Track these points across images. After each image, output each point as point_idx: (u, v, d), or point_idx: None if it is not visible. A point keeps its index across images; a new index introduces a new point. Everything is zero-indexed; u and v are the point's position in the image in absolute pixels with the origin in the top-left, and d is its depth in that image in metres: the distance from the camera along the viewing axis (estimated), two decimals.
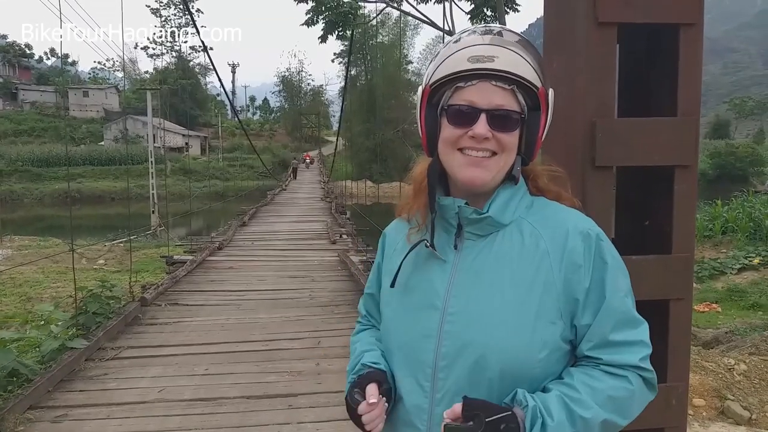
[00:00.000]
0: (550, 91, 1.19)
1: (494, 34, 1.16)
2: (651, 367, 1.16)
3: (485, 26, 1.20)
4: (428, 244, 1.22)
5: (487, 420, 1.04)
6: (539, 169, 1.28)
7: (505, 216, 1.19)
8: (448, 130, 1.17)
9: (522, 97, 1.15)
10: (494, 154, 1.16)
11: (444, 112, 1.18)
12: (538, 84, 1.15)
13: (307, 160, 58.20)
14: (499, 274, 1.16)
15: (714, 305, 9.54)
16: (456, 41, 1.18)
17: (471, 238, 1.20)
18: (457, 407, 1.07)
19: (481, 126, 1.13)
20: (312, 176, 44.88)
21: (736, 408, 4.26)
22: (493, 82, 1.13)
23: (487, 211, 1.18)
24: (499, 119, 1.13)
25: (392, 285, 1.26)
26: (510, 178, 1.21)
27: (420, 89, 1.23)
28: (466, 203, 1.18)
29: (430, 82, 1.19)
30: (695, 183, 1.57)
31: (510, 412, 1.06)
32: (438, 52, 1.22)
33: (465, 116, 1.14)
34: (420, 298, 1.22)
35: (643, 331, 1.17)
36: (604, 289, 1.14)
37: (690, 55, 1.53)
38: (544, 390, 1.12)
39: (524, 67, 1.13)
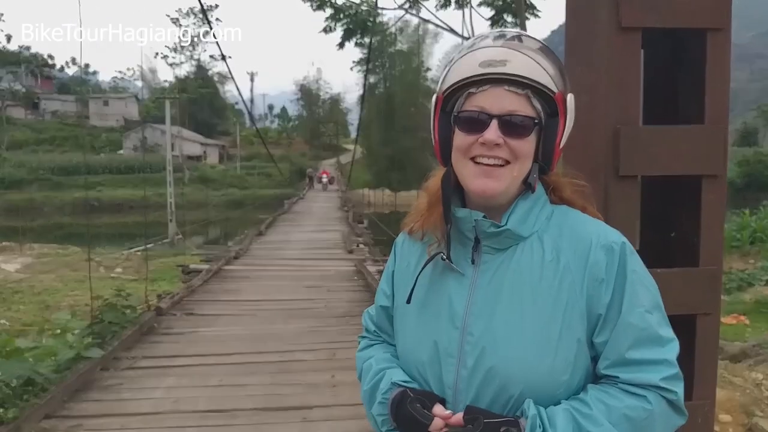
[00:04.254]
0: (569, 96, 1.13)
1: (508, 39, 1.12)
2: (677, 389, 1.08)
3: (500, 30, 1.16)
4: (444, 257, 1.16)
5: (485, 421, 1.04)
6: (563, 180, 1.23)
7: (524, 228, 1.14)
8: (459, 138, 1.13)
9: (537, 103, 1.11)
10: (507, 162, 1.11)
11: (456, 119, 1.14)
12: (555, 89, 1.10)
13: (324, 179, 45.69)
14: (519, 291, 1.11)
15: (742, 317, 9.35)
16: (470, 46, 1.15)
17: (489, 252, 1.15)
18: (460, 415, 1.08)
19: (492, 132, 1.08)
20: (328, 195, 39.63)
21: (764, 425, 4.13)
22: (506, 87, 1.09)
23: (506, 224, 1.13)
24: (511, 125, 1.09)
25: (408, 301, 1.21)
26: (527, 187, 1.16)
27: (434, 97, 1.19)
28: (483, 216, 1.13)
29: (442, 90, 1.16)
30: (724, 193, 1.52)
31: (512, 419, 1.05)
32: (451, 58, 1.18)
33: (476, 122, 1.10)
34: (438, 315, 1.17)
35: (669, 350, 1.09)
36: (621, 304, 1.08)
37: (717, 60, 1.49)
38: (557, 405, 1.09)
39: (538, 71, 1.08)
